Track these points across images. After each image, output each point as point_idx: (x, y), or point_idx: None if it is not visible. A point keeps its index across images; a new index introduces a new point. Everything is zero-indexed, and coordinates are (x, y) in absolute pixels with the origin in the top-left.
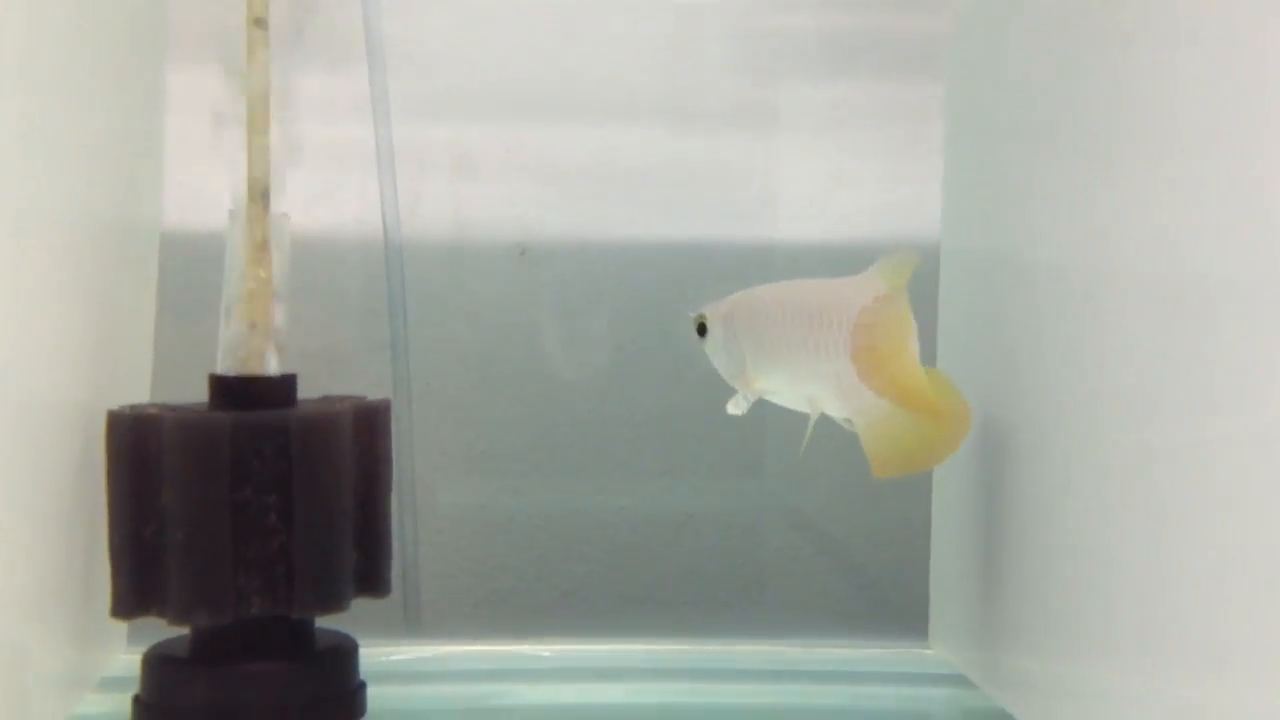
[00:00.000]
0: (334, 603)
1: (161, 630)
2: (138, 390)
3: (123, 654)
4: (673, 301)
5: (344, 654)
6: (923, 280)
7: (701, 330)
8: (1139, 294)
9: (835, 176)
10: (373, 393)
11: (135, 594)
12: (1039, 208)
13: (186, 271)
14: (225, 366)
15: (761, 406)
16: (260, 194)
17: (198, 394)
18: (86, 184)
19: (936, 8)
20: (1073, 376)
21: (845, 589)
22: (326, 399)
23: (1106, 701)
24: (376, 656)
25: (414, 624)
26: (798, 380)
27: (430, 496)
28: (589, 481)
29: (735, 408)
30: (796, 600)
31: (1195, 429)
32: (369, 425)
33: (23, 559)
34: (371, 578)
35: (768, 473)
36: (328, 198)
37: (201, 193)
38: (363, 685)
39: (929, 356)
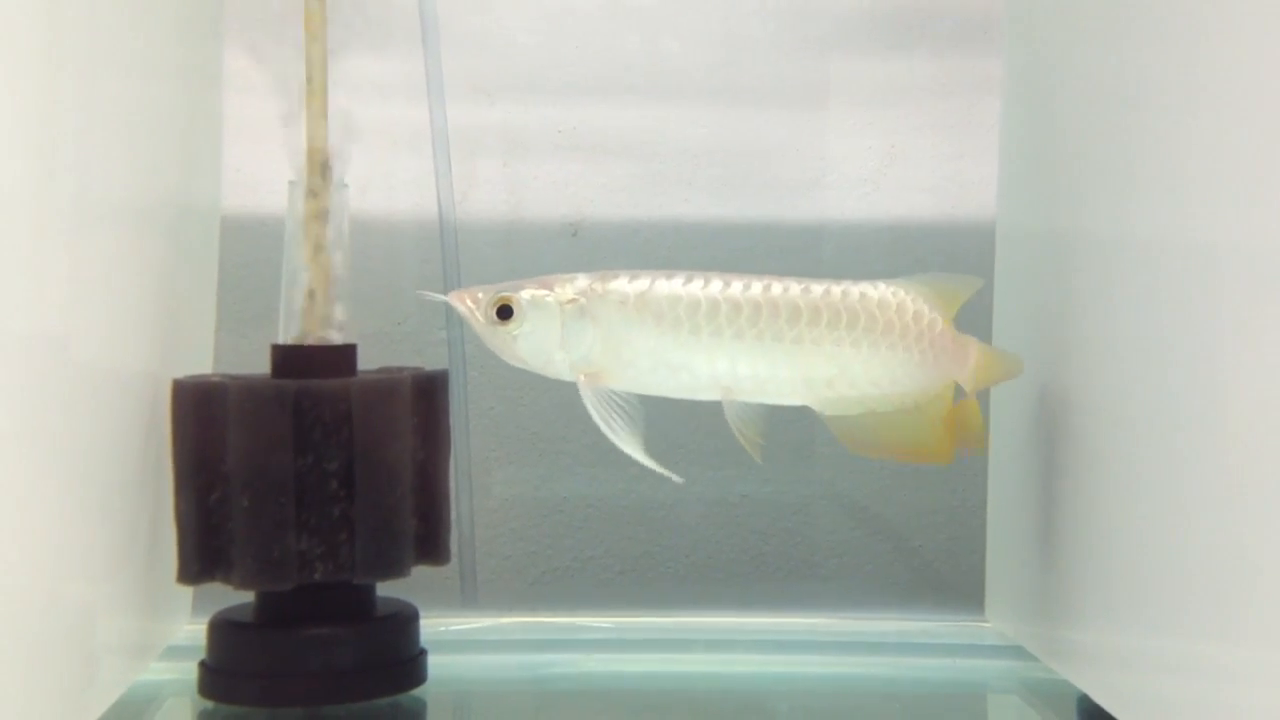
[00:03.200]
0: (394, 569)
1: (228, 599)
2: (201, 364)
3: (188, 624)
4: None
5: (405, 620)
6: (980, 256)
7: (505, 313)
8: (1199, 267)
9: (889, 154)
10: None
11: (200, 560)
12: (1097, 183)
13: (245, 249)
14: (287, 336)
15: None
16: (320, 165)
17: (258, 368)
18: (149, 164)
19: None
20: (1134, 349)
21: (899, 568)
22: (386, 369)
23: (1177, 672)
24: (435, 627)
25: (471, 599)
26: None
27: (486, 476)
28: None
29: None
30: (851, 579)
31: (1263, 397)
32: (428, 394)
33: (91, 526)
34: (430, 545)
35: (818, 455)
36: (384, 179)
37: (259, 171)
38: (423, 652)
39: (987, 333)
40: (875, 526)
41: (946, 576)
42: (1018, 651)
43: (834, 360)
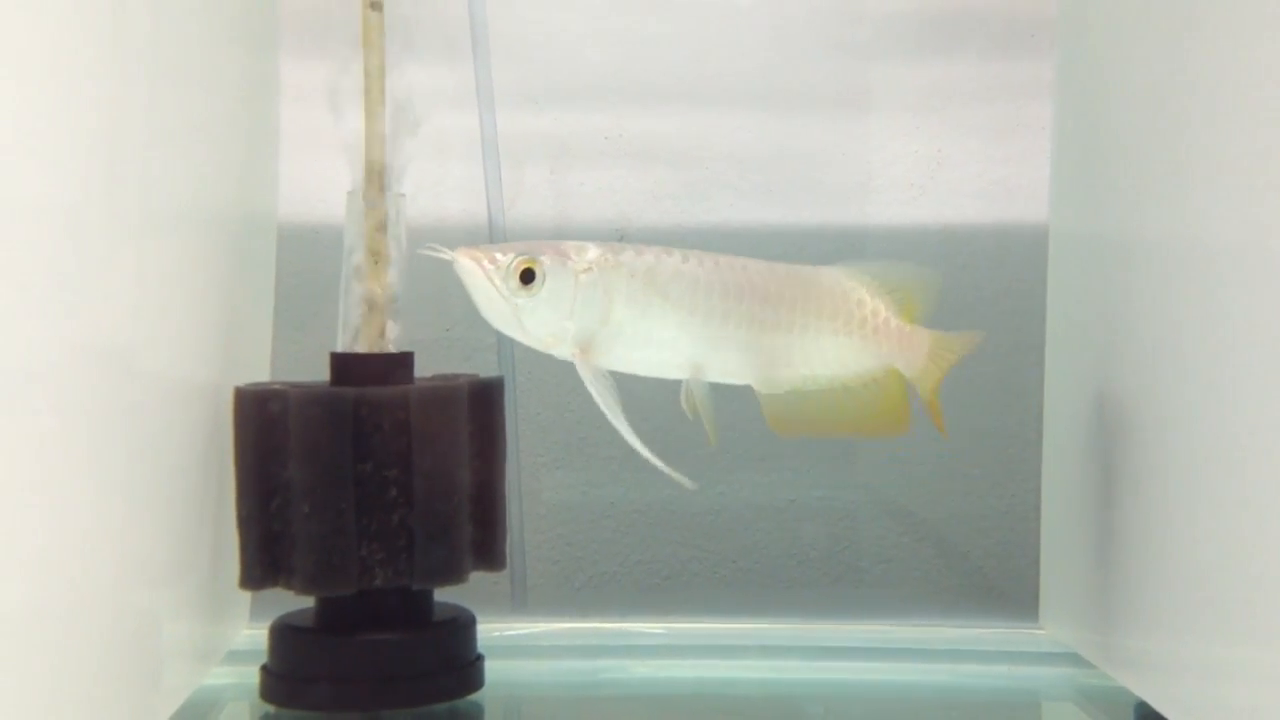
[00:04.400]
0: (452, 574)
1: (284, 605)
2: (259, 371)
3: (247, 629)
4: None
5: (463, 626)
6: (1029, 260)
7: (527, 277)
8: (1259, 270)
9: (936, 158)
10: None
11: (262, 565)
12: (1154, 185)
13: (299, 257)
14: (345, 344)
15: None
16: (377, 175)
17: (314, 375)
18: (210, 174)
19: None
20: (1193, 352)
21: (949, 573)
22: (442, 376)
23: (1238, 678)
24: (488, 632)
25: (520, 605)
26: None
27: (534, 481)
28: (688, 467)
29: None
30: (900, 585)
31: None
32: (485, 401)
33: (158, 533)
34: (487, 550)
35: (861, 458)
36: (434, 186)
37: (316, 181)
38: (480, 658)
39: (1039, 337)
40: (923, 531)
41: (998, 581)
42: (1073, 658)
43: (781, 341)
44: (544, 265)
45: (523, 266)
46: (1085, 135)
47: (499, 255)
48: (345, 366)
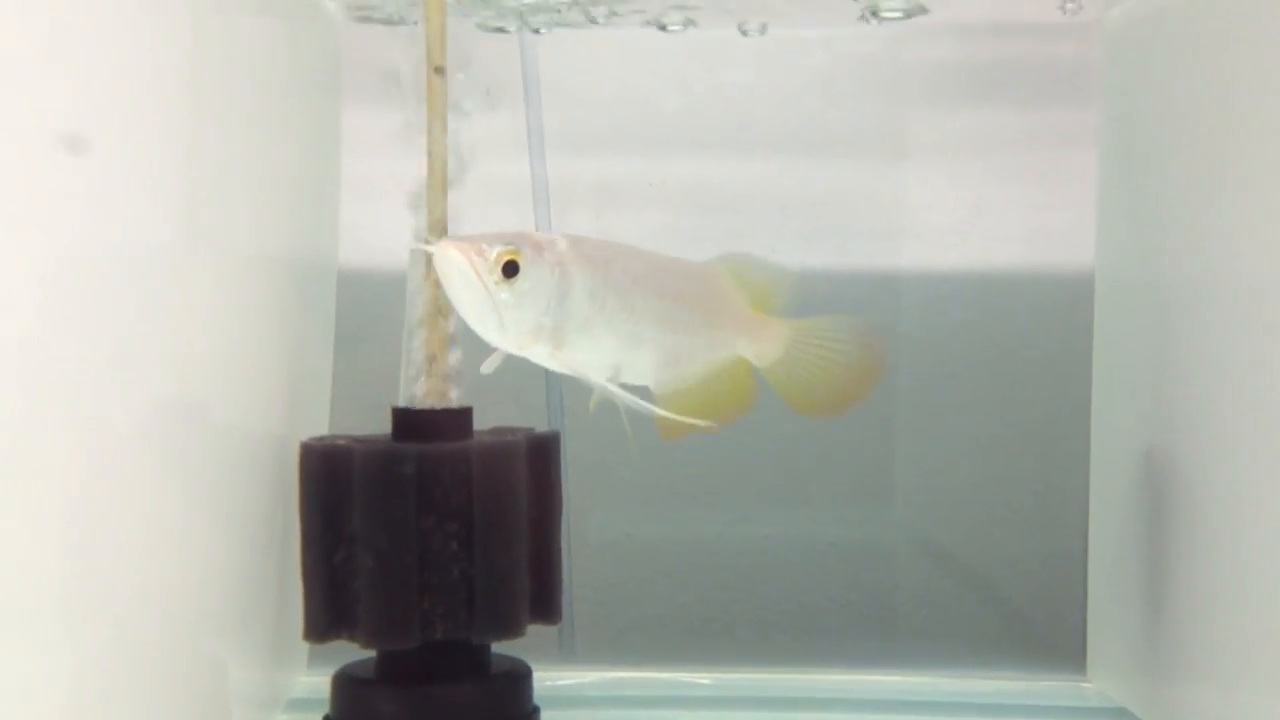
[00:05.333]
0: (511, 628)
1: (339, 653)
2: (318, 421)
3: (304, 676)
4: None
5: (520, 678)
6: (1076, 306)
7: (510, 270)
8: None
9: (976, 204)
10: (527, 422)
11: (327, 617)
12: (1204, 232)
13: (356, 306)
14: (407, 399)
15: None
16: (440, 232)
17: (368, 425)
18: (273, 222)
19: (1082, 35)
20: (1246, 405)
21: (993, 621)
22: (499, 430)
23: None
24: (540, 681)
25: (570, 653)
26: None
27: (580, 524)
28: (728, 510)
29: (491, 366)
30: (942, 633)
31: None
32: (542, 456)
33: (228, 581)
34: (544, 604)
35: (900, 500)
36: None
37: (375, 230)
38: (537, 710)
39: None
40: (964, 575)
41: (1043, 630)
42: (1122, 713)
43: (685, 340)
44: (526, 257)
45: (506, 258)
46: (1132, 182)
47: (485, 247)
48: (407, 422)
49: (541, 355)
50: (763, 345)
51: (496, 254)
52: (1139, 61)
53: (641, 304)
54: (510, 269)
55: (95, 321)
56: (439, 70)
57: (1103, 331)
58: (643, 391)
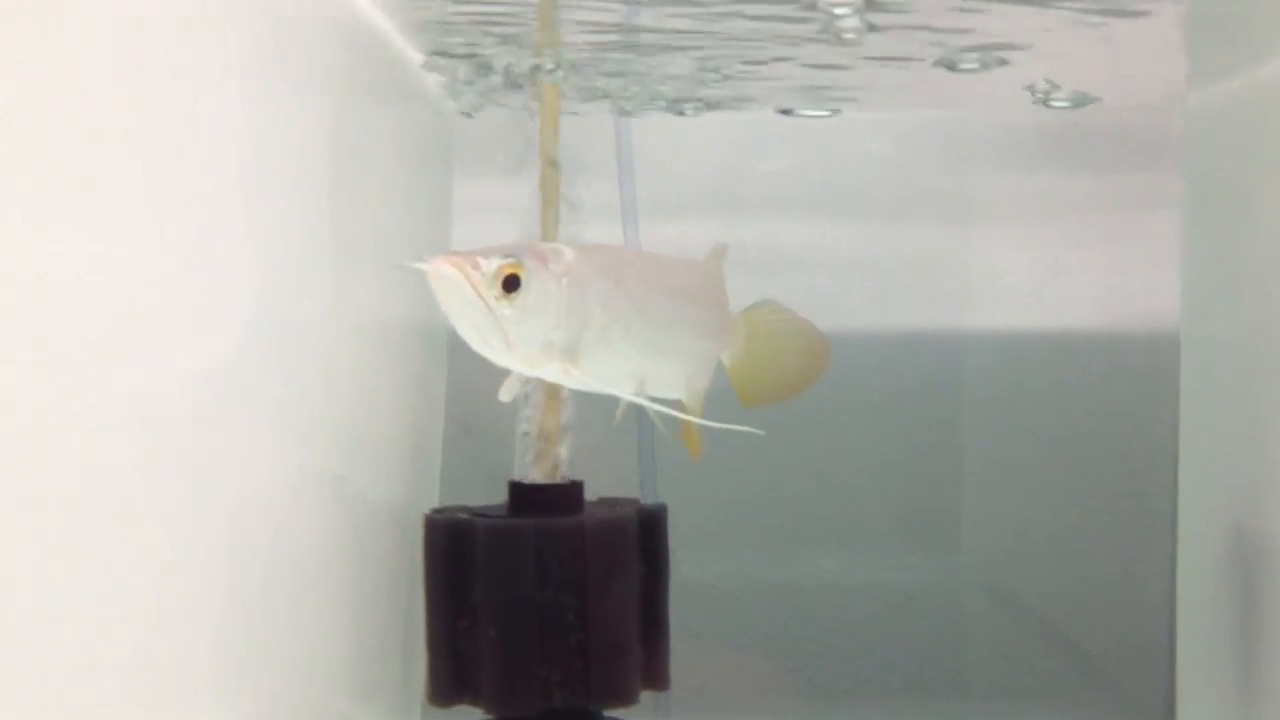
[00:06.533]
0: (625, 696)
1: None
2: (431, 491)
3: None
4: (886, 389)
5: None
6: (1152, 369)
7: (511, 285)
8: None
9: (1052, 267)
10: (619, 477)
11: (451, 684)
12: None
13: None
14: (522, 473)
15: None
16: None
17: (477, 496)
18: (393, 293)
19: (1161, 107)
20: None
21: (1079, 678)
22: (606, 501)
23: None
24: None
25: (663, 711)
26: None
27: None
28: (805, 561)
29: (509, 392)
30: (1025, 689)
31: None
32: (651, 528)
33: (361, 648)
34: (654, 672)
35: (971, 548)
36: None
37: None
38: None
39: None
40: (1040, 627)
41: (1125, 687)
42: None
43: (707, 347)
44: (528, 270)
45: (506, 272)
46: (1218, 246)
47: (482, 260)
48: (524, 497)
49: (555, 373)
50: (736, 340)
51: (495, 267)
52: (1223, 139)
53: (660, 309)
54: (511, 283)
55: (263, 396)
56: (553, 164)
57: (1189, 396)
58: (675, 405)
